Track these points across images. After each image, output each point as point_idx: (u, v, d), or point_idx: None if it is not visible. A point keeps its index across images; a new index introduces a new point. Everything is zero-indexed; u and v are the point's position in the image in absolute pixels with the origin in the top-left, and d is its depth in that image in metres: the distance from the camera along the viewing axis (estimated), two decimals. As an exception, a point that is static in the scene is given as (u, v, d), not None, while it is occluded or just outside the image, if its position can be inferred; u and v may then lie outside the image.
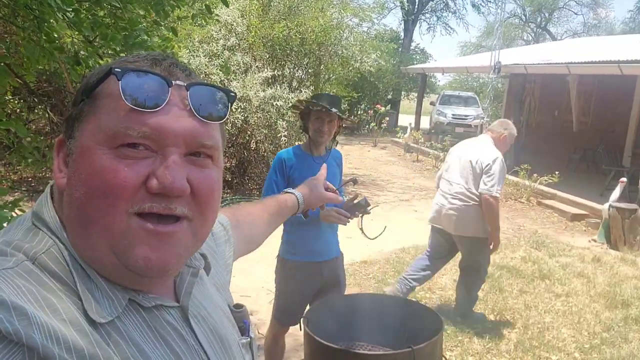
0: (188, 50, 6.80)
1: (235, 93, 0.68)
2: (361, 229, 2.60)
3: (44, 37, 2.04)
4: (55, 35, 2.01)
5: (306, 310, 2.51)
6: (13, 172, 8.07)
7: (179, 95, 0.60)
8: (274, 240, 2.93)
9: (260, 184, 8.39)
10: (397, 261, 5.50)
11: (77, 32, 2.07)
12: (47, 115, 8.75)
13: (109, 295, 0.59)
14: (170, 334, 0.63)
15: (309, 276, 2.71)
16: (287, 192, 1.30)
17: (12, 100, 8.61)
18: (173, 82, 0.60)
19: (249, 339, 0.79)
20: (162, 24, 2.50)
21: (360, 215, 2.59)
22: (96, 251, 0.59)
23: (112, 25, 2.25)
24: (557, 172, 8.83)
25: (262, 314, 4.06)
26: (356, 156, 13.63)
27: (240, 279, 4.68)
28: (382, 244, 6.11)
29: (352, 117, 3.30)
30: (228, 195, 7.96)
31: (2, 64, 2.24)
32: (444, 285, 4.94)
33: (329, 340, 1.96)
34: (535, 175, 9.11)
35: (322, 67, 9.23)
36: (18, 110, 8.18)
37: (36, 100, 8.67)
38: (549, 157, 12.19)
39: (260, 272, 4.55)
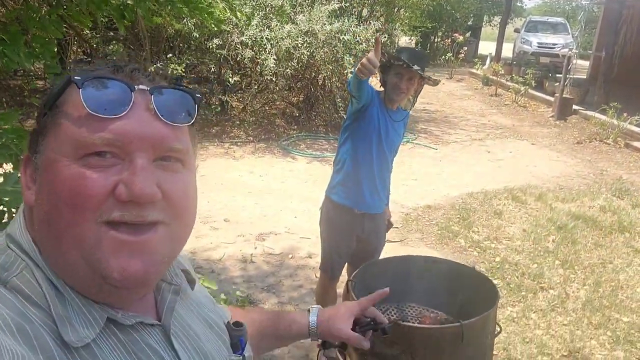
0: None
1: (200, 95, 0.65)
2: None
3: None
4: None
5: (353, 273, 2.49)
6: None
7: (143, 100, 0.59)
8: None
9: (326, 120, 8.30)
10: (463, 207, 5.31)
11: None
12: (123, 48, 8.99)
13: (86, 316, 0.58)
14: (150, 356, 0.61)
15: (352, 223, 2.67)
16: (308, 311, 1.06)
17: (91, 35, 8.92)
18: (136, 86, 0.59)
19: (240, 357, 0.77)
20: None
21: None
22: (71, 265, 0.57)
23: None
24: (652, 112, 8.02)
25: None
26: (429, 89, 12.99)
27: (302, 220, 4.75)
28: (448, 188, 5.94)
29: (434, 79, 3.10)
30: (295, 131, 7.96)
31: (55, 14, 2.24)
32: (511, 235, 4.73)
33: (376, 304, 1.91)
34: (625, 114, 8.31)
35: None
36: (95, 45, 8.46)
37: (112, 34, 8.92)
38: (646, 92, 11.04)
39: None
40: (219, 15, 3.05)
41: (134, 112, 0.57)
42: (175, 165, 0.61)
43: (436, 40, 18.89)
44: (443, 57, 16.74)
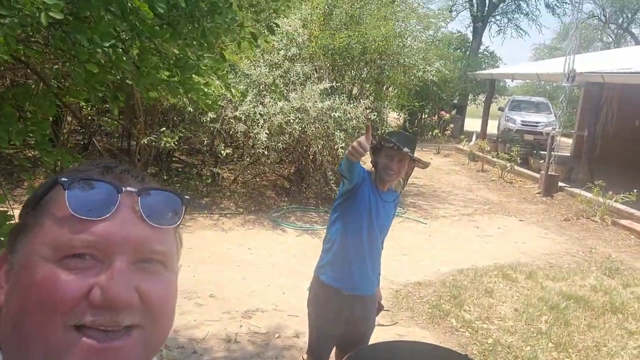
0: (249, 61, 6.86)
1: (188, 197, 0.65)
2: None
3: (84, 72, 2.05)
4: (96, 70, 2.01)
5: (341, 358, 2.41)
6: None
7: (129, 202, 0.59)
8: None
9: (317, 192, 8.35)
10: (454, 285, 5.25)
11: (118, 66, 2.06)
12: (114, 122, 9.14)
13: None
14: None
15: (341, 305, 2.60)
16: None
17: (85, 107, 9.09)
18: (123, 188, 0.59)
19: None
20: (210, 50, 2.46)
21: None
22: None
23: (158, 54, 2.23)
24: (635, 190, 8.17)
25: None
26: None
27: (290, 296, 4.64)
28: (438, 264, 5.89)
29: (424, 161, 3.21)
30: (285, 203, 7.97)
31: (50, 93, 2.29)
32: (503, 315, 4.65)
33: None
34: (610, 192, 8.47)
35: (383, 76, 9.06)
36: (90, 117, 8.61)
37: (107, 106, 9.10)
38: (628, 170, 11.34)
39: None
40: (214, 91, 3.14)
41: (118, 213, 0.57)
42: (156, 267, 0.59)
43: (423, 117, 19.47)
44: (430, 133, 17.20)
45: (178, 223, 0.63)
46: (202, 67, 2.50)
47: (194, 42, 2.13)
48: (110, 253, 0.56)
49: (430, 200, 9.35)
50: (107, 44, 1.73)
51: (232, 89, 3.17)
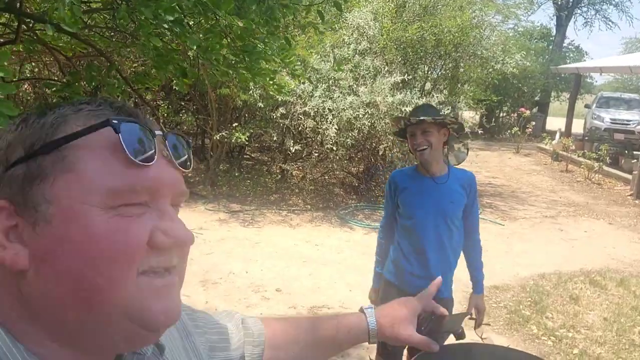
0: (319, 55, 6.78)
1: (190, 140, 0.63)
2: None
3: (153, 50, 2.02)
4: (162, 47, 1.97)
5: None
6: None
7: (159, 146, 0.57)
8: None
9: (387, 191, 8.13)
10: (535, 290, 4.86)
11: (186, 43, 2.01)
12: (192, 117, 9.42)
13: None
14: None
15: None
16: (362, 312, 0.99)
17: (162, 106, 9.45)
18: (156, 132, 0.57)
19: None
20: (275, 33, 2.37)
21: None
22: (97, 323, 0.53)
23: (226, 34, 2.17)
24: None
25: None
26: (495, 163, 12.67)
27: (357, 294, 4.49)
28: (517, 268, 5.50)
29: (454, 117, 2.86)
30: (353, 201, 7.82)
31: (118, 76, 2.29)
32: (590, 324, 4.23)
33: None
34: None
35: (460, 69, 8.69)
36: (166, 114, 8.93)
37: (182, 104, 9.41)
38: None
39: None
40: (280, 82, 3.05)
41: (157, 158, 0.56)
42: (178, 209, 0.61)
43: (502, 114, 18.63)
44: (509, 131, 16.39)
45: (191, 166, 0.62)
46: (269, 53, 2.42)
47: (260, 20, 2.05)
48: (158, 197, 0.56)
49: (508, 201, 8.84)
50: (171, 18, 1.67)
51: (298, 77, 3.07)
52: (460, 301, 4.57)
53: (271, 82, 2.68)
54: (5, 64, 1.48)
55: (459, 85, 9.24)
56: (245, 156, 9.57)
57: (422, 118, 2.23)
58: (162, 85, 7.92)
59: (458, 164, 2.46)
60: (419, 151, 2.28)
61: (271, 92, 2.64)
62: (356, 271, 5.10)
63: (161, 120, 10.31)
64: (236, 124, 7.52)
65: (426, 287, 2.44)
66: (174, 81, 2.18)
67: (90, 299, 0.52)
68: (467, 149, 2.45)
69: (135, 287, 0.53)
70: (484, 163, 12.24)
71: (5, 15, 2.50)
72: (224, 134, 7.12)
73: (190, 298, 4.30)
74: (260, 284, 4.67)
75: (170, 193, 0.57)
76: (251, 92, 6.27)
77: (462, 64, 8.56)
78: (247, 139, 7.13)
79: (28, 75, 5.32)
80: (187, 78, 2.14)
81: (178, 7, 1.77)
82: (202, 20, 2.14)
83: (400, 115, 2.60)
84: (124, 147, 0.52)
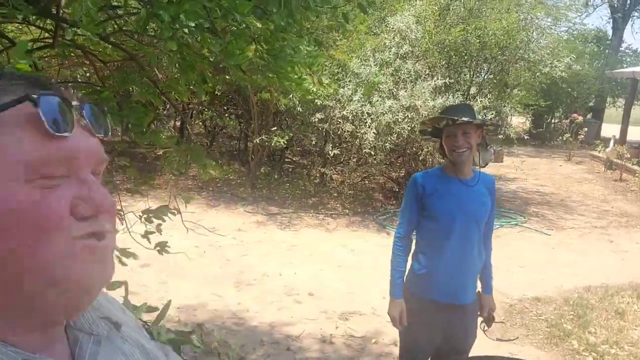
0: (359, 60, 6.75)
1: (104, 108, 0.63)
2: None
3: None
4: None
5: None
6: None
7: (77, 115, 0.58)
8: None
9: (428, 197, 7.98)
10: (579, 303, 4.63)
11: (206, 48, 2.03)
12: (236, 122, 9.57)
13: None
14: None
15: (437, 318, 2.33)
16: None
17: (207, 111, 9.66)
18: (72, 102, 0.57)
19: None
20: (302, 35, 2.36)
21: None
22: (24, 293, 0.53)
23: (254, 39, 2.17)
24: None
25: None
26: (544, 171, 12.22)
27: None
28: (561, 279, 5.27)
29: (493, 119, 2.75)
30: (393, 206, 7.72)
31: (149, 82, 2.34)
32: (635, 340, 3.99)
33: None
34: None
35: (509, 73, 8.43)
36: (210, 118, 9.12)
37: (226, 109, 9.58)
38: None
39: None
40: (308, 87, 3.04)
41: (75, 128, 0.56)
42: (100, 177, 0.61)
43: (553, 120, 17.97)
44: (560, 138, 15.78)
45: (110, 133, 0.63)
46: (295, 60, 2.40)
47: (282, 22, 2.04)
48: (77, 167, 0.56)
49: (556, 210, 8.49)
50: (192, 24, 1.68)
51: (324, 85, 3.04)
52: (497, 312, 4.43)
53: (297, 87, 2.67)
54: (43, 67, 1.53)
55: (507, 90, 8.98)
56: (286, 160, 9.64)
57: (468, 120, 2.18)
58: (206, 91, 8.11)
59: (484, 167, 2.39)
60: (458, 153, 2.22)
61: (298, 96, 2.63)
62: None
63: (207, 124, 10.55)
64: (276, 127, 7.59)
65: (456, 295, 2.37)
66: (198, 86, 2.20)
67: (15, 270, 0.52)
68: (494, 152, 2.37)
69: (65, 254, 0.53)
70: (533, 170, 11.83)
71: (48, 21, 2.61)
72: (264, 137, 7.19)
73: (223, 298, 4.35)
74: (293, 287, 4.67)
75: (91, 162, 0.58)
76: (291, 96, 6.31)
77: (509, 68, 8.31)
78: (285, 142, 7.17)
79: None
80: (207, 84, 2.16)
81: (200, 10, 1.78)
82: (227, 25, 2.16)
83: (430, 118, 2.51)
84: (43, 120, 0.52)
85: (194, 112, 9.93)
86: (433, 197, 2.29)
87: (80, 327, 0.63)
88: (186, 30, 1.78)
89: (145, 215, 2.33)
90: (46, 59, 2.85)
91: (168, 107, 9.80)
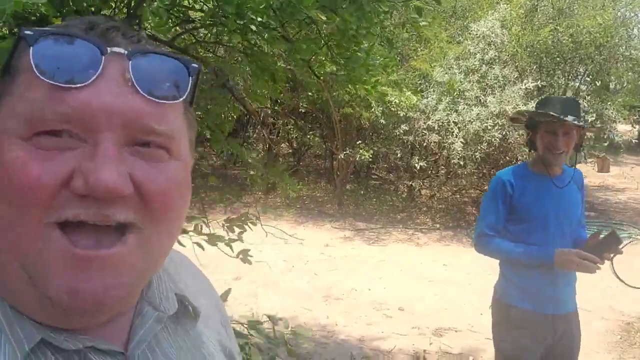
0: (442, 69, 6.58)
1: (199, 65, 0.49)
2: (615, 274, 1.90)
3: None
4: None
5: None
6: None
7: (118, 67, 0.45)
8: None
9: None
10: None
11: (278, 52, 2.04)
12: (320, 139, 9.67)
13: (9, 339, 0.44)
14: None
15: (539, 330, 2.11)
16: None
17: (292, 131, 9.86)
18: (109, 49, 0.45)
19: None
20: (371, 32, 2.29)
21: (612, 256, 1.88)
22: (9, 276, 0.45)
23: (326, 42, 2.16)
24: None
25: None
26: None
27: (489, 317, 4.14)
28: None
29: (596, 123, 2.51)
30: (486, 220, 7.36)
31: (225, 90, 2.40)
32: None
33: None
34: None
35: (609, 74, 7.83)
36: (295, 136, 9.27)
37: (309, 125, 9.73)
38: None
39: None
40: (384, 90, 2.95)
41: (103, 81, 0.44)
42: (156, 153, 0.47)
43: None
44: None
45: (184, 97, 0.48)
46: (368, 63, 2.34)
47: (351, 17, 2.01)
48: (95, 131, 0.43)
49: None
50: (259, 19, 1.70)
51: (405, 94, 2.94)
52: (613, 330, 4.01)
53: (373, 89, 2.60)
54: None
55: (607, 93, 8.32)
56: (372, 176, 9.57)
57: (570, 119, 1.99)
58: (291, 109, 8.29)
59: (572, 166, 2.19)
60: (555, 154, 2.03)
61: (373, 96, 2.57)
62: (486, 293, 4.70)
63: (294, 145, 10.75)
64: (360, 141, 7.57)
65: (557, 302, 2.15)
66: (270, 88, 2.21)
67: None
68: (585, 154, 2.18)
69: (39, 242, 0.43)
70: (633, 178, 10.87)
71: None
72: (348, 152, 7.19)
73: (312, 312, 4.32)
74: (382, 302, 4.55)
75: (119, 127, 0.44)
76: (373, 109, 6.27)
77: (610, 68, 7.71)
78: (370, 156, 7.12)
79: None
80: (276, 82, 2.16)
81: (266, 8, 1.77)
82: (299, 31, 2.15)
83: (531, 110, 2.34)
84: (32, 64, 0.43)
85: (280, 132, 10.20)
86: (524, 197, 2.09)
87: (150, 299, 0.54)
88: (253, 27, 1.78)
89: (227, 225, 2.37)
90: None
91: (257, 129, 10.15)
